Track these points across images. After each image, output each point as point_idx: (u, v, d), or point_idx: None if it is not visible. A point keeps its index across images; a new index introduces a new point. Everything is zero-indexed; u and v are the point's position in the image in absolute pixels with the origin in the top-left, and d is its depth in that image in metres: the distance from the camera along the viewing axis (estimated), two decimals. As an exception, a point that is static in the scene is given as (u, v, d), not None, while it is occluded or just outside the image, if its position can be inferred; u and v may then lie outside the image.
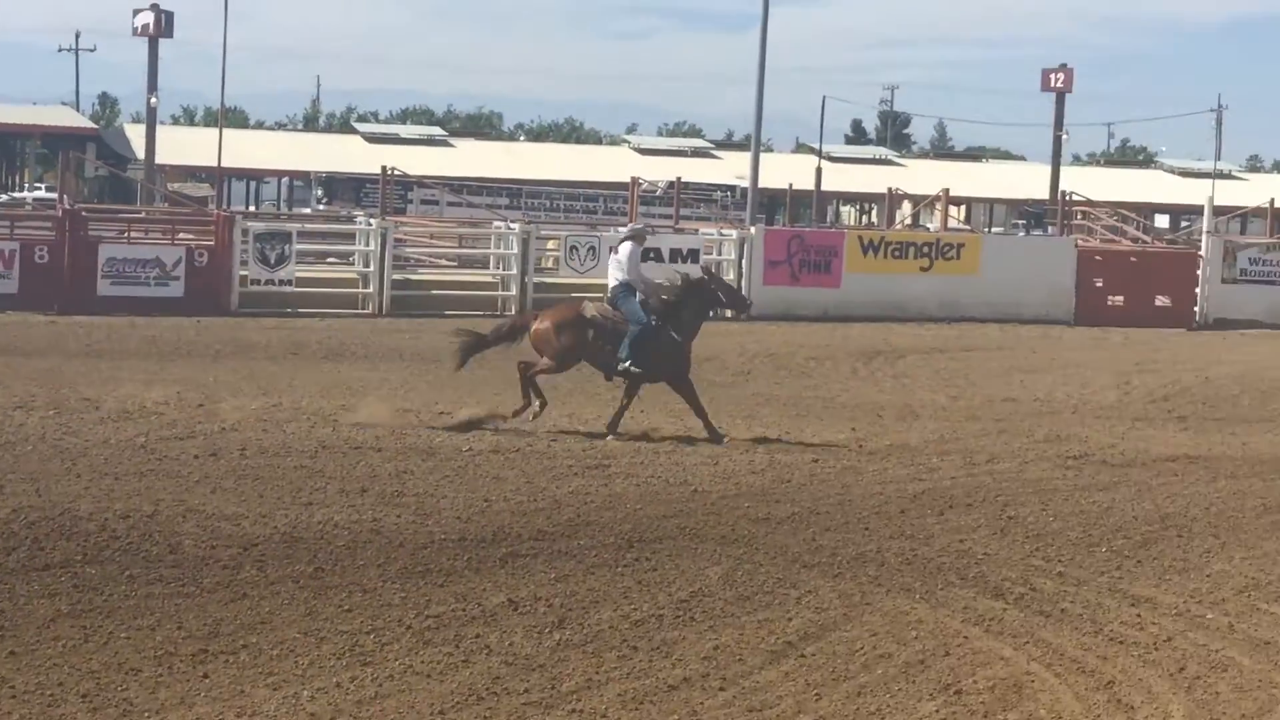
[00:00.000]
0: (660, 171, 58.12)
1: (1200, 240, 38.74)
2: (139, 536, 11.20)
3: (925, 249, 36.16)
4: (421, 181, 52.14)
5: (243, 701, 8.13)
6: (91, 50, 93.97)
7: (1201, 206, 40.90)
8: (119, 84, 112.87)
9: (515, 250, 33.55)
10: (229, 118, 64.77)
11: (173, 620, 9.41)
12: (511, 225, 35.49)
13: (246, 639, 9.14)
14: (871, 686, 8.80)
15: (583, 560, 11.24)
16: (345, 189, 56.26)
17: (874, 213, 71.38)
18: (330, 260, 35.17)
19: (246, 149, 63.68)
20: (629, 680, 8.76)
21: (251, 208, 64.02)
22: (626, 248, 17.61)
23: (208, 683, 8.40)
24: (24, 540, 10.95)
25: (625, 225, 20.67)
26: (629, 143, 75.68)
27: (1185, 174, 73.19)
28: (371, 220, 34.97)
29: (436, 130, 78.78)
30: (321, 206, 53.93)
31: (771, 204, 62.59)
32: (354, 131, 74.64)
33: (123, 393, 18.28)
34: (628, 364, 17.02)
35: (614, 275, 17.55)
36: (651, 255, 33.86)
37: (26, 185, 62.92)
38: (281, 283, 31.63)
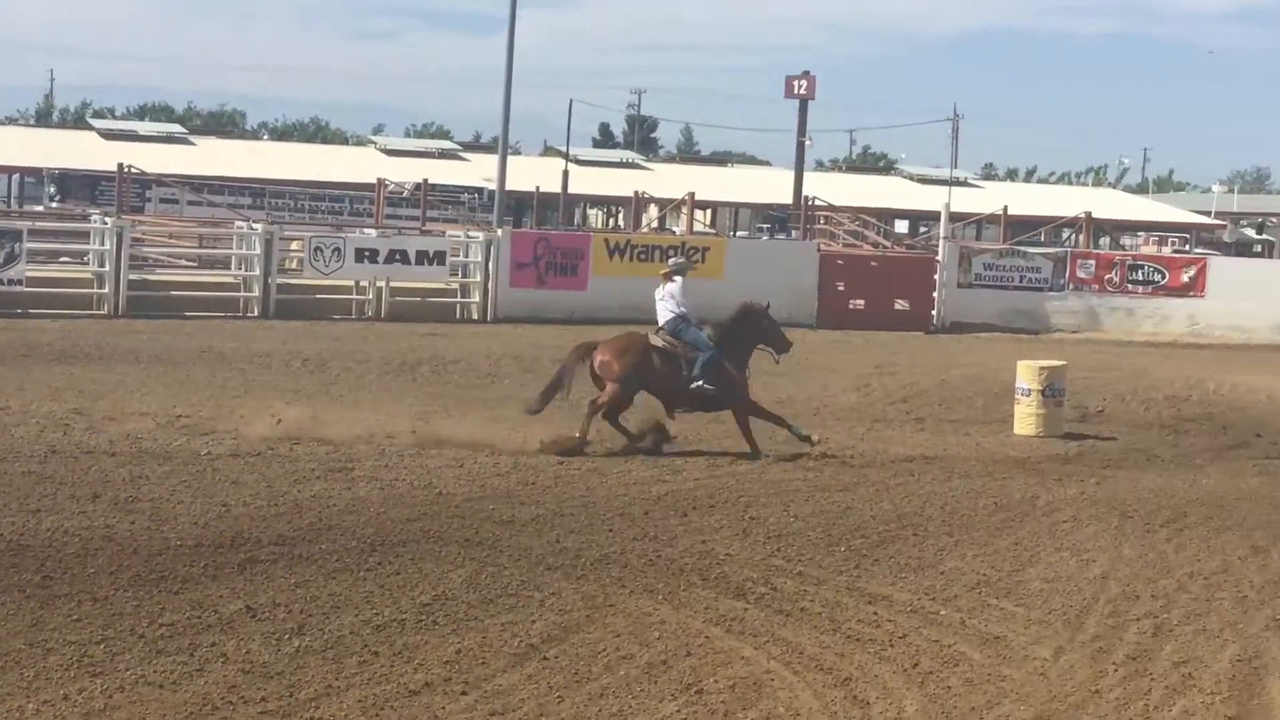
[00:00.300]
0: (407, 173, 57.66)
1: (937, 246, 39.81)
2: None
3: (671, 252, 36.49)
4: (160, 180, 50.92)
5: (-37, 716, 7.83)
6: None
7: (939, 212, 42.03)
8: None
9: (258, 251, 32.96)
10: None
11: (-115, 633, 9.02)
12: (254, 225, 34.87)
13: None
14: (614, 688, 8.83)
15: (324, 565, 11.09)
16: (80, 186, 54.62)
17: (621, 216, 71.85)
18: (63, 260, 34.08)
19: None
20: (369, 686, 8.66)
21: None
22: (678, 283, 17.64)
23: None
24: None
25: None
26: (375, 143, 74.83)
27: (924, 181, 75.08)
28: (107, 219, 34.03)
29: (176, 128, 76.94)
30: (54, 204, 52.27)
31: (519, 206, 62.51)
32: (89, 128, 72.51)
33: None
34: (700, 383, 16.98)
35: (667, 309, 17.52)
36: (398, 257, 33.64)
37: None
38: (11, 282, 30.59)
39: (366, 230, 38.26)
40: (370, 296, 33.56)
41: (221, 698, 8.32)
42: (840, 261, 38.96)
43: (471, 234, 36.93)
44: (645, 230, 48.78)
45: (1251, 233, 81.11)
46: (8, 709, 7.95)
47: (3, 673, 8.49)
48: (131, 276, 31.95)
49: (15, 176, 66.58)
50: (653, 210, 55.33)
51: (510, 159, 43.25)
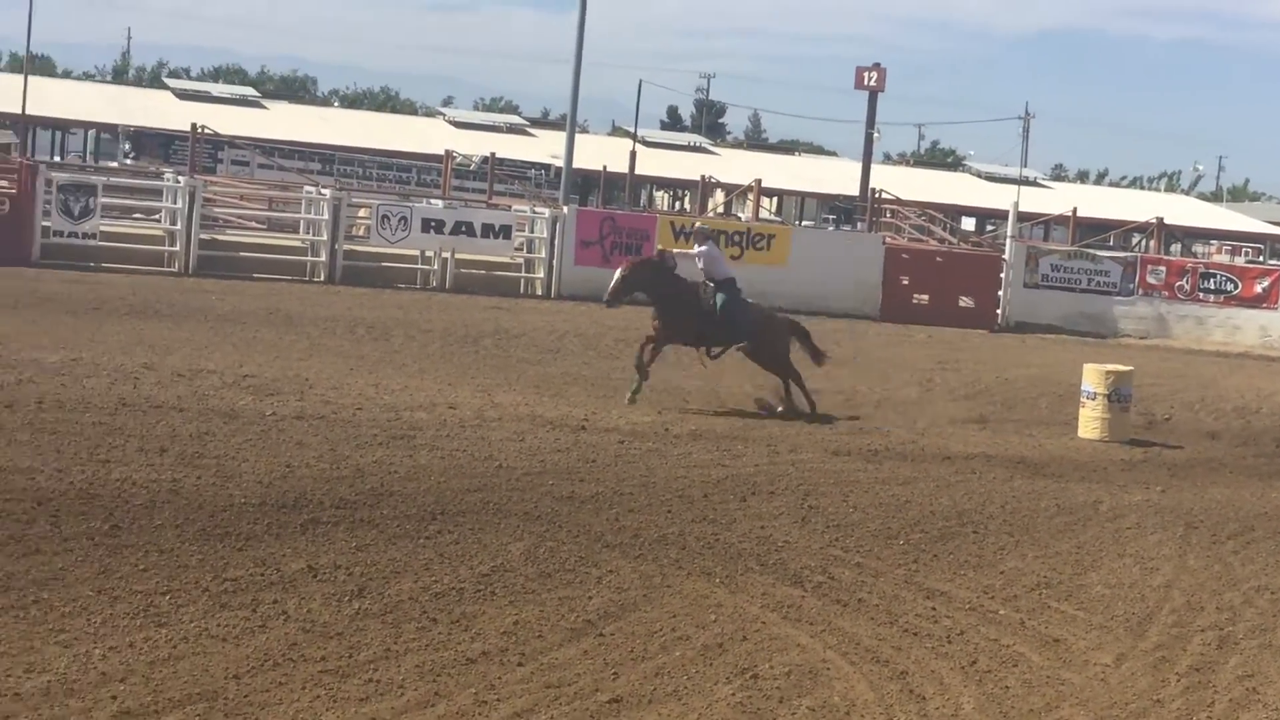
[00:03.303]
0: (475, 146, 57.86)
1: (1004, 244, 39.62)
2: (-78, 487, 10.87)
3: (736, 238, 36.49)
4: (233, 141, 51.27)
5: (32, 658, 7.93)
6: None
7: (1006, 211, 41.82)
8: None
9: (326, 216, 33.19)
10: (36, 65, 62.99)
11: (-55, 574, 9.15)
12: (323, 191, 35.09)
13: (38, 595, 8.91)
14: (669, 667, 8.85)
15: (384, 530, 11.16)
16: (154, 145, 55.12)
17: (686, 199, 71.79)
18: (136, 216, 34.42)
19: (53, 98, 61.99)
20: (427, 652, 8.71)
21: (57, 158, 62.32)
22: (711, 248, 19.92)
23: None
24: None
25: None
26: (444, 115, 75.00)
27: (992, 179, 74.74)
28: (180, 178, 34.31)
29: (249, 90, 77.47)
30: (129, 161, 52.72)
31: (585, 185, 62.58)
32: (165, 87, 73.03)
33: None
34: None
35: (717, 273, 19.52)
36: (464, 230, 33.75)
37: None
38: (85, 236, 30.92)
39: (433, 201, 38.40)
40: (435, 267, 33.71)
41: (282, 654, 8.40)
42: (905, 255, 38.85)
43: (538, 210, 37.03)
44: (711, 214, 48.71)
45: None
46: (75, 654, 8.05)
47: (72, 618, 8.61)
48: (202, 236, 32.26)
49: (92, 132, 67.20)
50: (718, 195, 55.27)
51: (578, 137, 43.29)
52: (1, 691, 7.45)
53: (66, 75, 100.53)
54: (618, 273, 19.80)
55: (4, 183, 31.65)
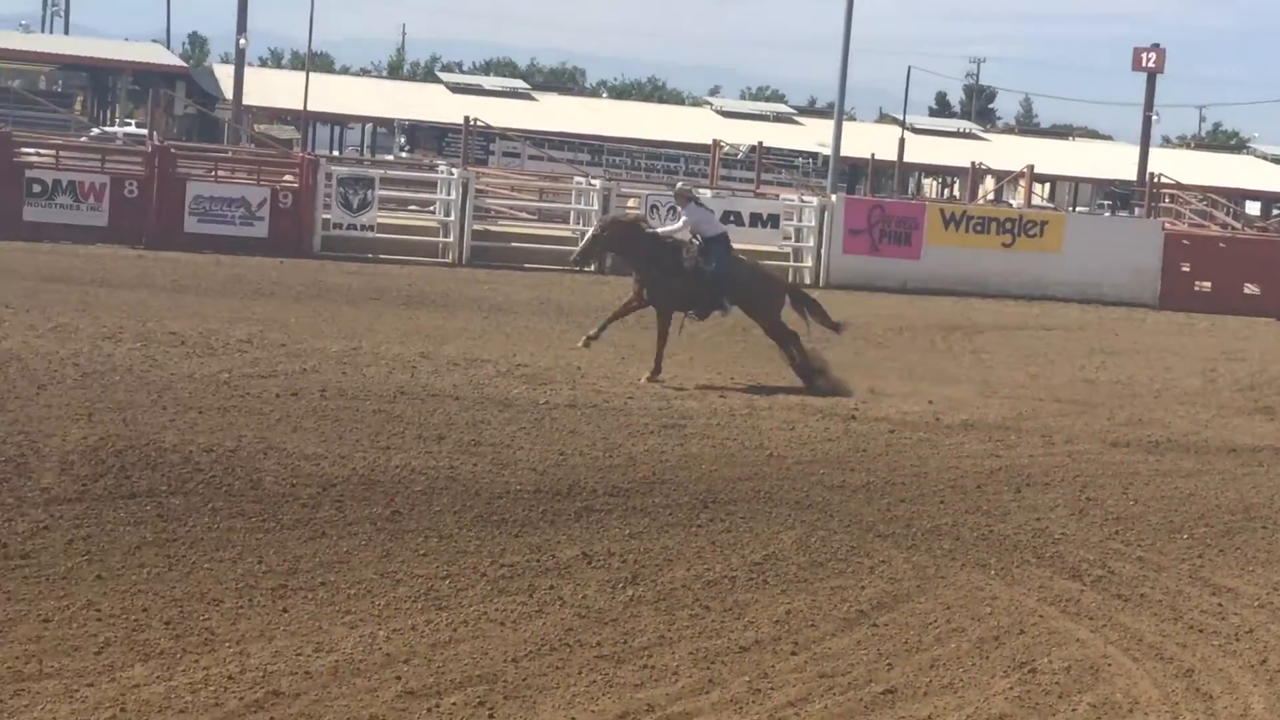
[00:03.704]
0: (742, 135, 57.93)
1: (1290, 230, 38.17)
2: (222, 470, 11.34)
3: (1008, 225, 35.86)
4: (504, 134, 52.20)
5: (320, 637, 8.19)
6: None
7: (1292, 196, 40.29)
8: (209, 24, 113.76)
9: (596, 206, 33.52)
10: (315, 62, 64.96)
11: (253, 554, 9.51)
12: (593, 181, 35.48)
13: (325, 577, 9.21)
14: (944, 659, 8.74)
15: (657, 518, 11.25)
16: (428, 138, 56.39)
17: (956, 187, 70.86)
18: (412, 208, 35.30)
19: (332, 94, 63.89)
20: (701, 639, 8.75)
21: (336, 152, 64.26)
22: (693, 209, 18.92)
23: (287, 617, 8.47)
24: (111, 468, 11.11)
25: (692, 188, 21.50)
26: (711, 105, 75.38)
27: (1279, 161, 72.15)
28: (454, 170, 35.03)
29: (520, 83, 78.81)
30: (404, 154, 54.08)
31: (853, 173, 62.25)
32: (438, 81, 74.78)
33: (207, 328, 18.45)
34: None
35: (706, 231, 18.70)
36: (732, 219, 33.79)
37: (117, 120, 63.43)
38: (363, 228, 31.80)
39: (701, 190, 38.50)
40: (704, 256, 33.82)
41: (559, 639, 8.53)
42: (1186, 242, 37.70)
43: (806, 198, 36.89)
44: (981, 202, 47.98)
45: None
46: (360, 635, 8.29)
47: (356, 600, 8.86)
48: (475, 227, 32.88)
49: (368, 126, 69.10)
50: (989, 182, 54.39)
51: (845, 125, 43.00)
52: (293, 669, 7.71)
53: (344, 72, 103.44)
54: (589, 232, 19.37)
55: (287, 177, 32.73)
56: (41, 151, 32.95)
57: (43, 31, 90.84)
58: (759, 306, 18.81)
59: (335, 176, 32.12)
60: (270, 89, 61.59)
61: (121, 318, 18.78)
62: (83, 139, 44.58)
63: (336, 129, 73.16)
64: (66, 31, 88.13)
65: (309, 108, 53.15)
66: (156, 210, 30.52)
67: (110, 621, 8.14)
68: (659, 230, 19.60)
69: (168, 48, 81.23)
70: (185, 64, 74.36)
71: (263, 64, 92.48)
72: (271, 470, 11.55)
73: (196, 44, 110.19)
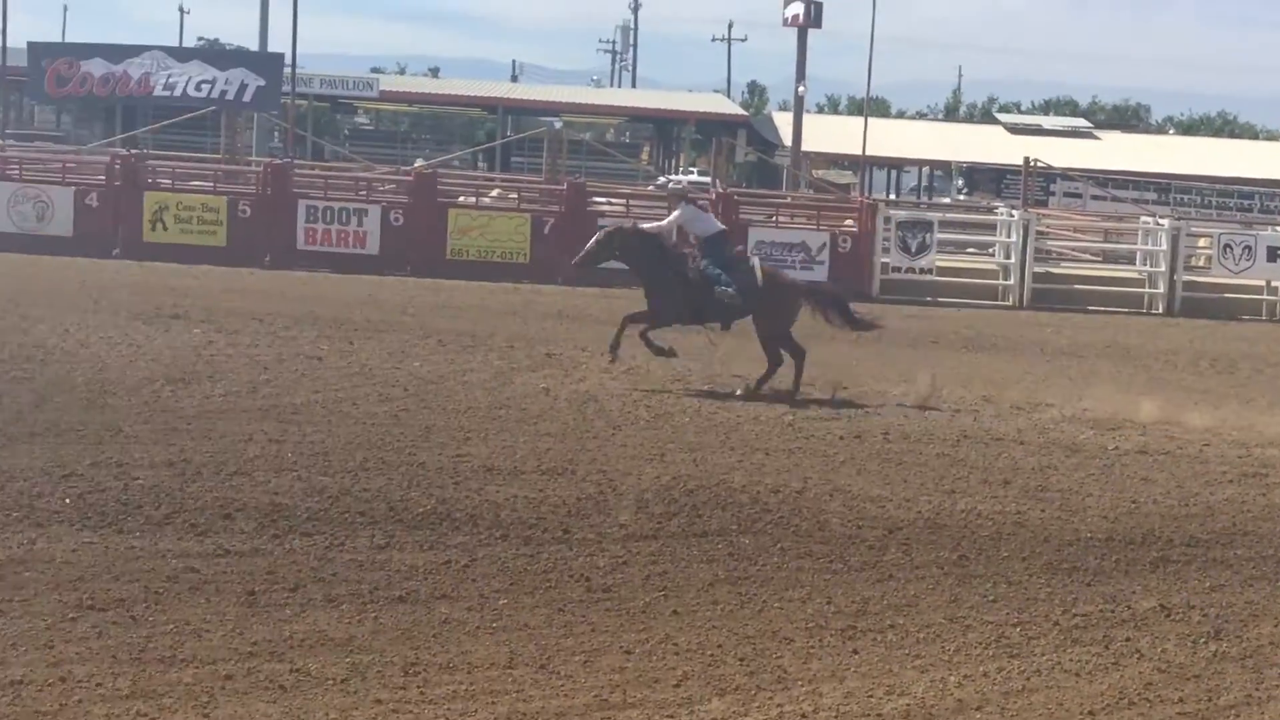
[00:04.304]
0: (1325, 168, 54.83)
1: None
2: (789, 511, 11.50)
3: None
4: (1065, 173, 51.21)
5: (891, 680, 8.15)
6: (743, 40, 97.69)
7: None
8: (767, 73, 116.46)
9: (1164, 247, 32.43)
10: (872, 107, 65.50)
11: (822, 595, 9.58)
12: (1160, 221, 34.33)
13: (893, 620, 9.18)
14: None
15: (1239, 571, 10.71)
16: (985, 180, 55.99)
17: None
18: (970, 250, 35.07)
19: (889, 137, 64.29)
20: (1295, 701, 8.25)
21: (892, 196, 64.62)
22: (686, 209, 18.09)
23: (857, 659, 8.48)
24: (684, 507, 11.45)
25: (687, 187, 20.41)
26: (1289, 138, 71.73)
27: None
28: (1013, 211, 34.60)
29: (1080, 122, 77.22)
30: (962, 196, 53.85)
31: None
32: (995, 122, 74.07)
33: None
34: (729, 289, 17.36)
35: (700, 231, 17.95)
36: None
37: (681, 169, 65.86)
38: (922, 271, 31.81)
39: (1279, 228, 36.66)
40: (1281, 298, 32.23)
41: (1138, 693, 8.20)
42: None
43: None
44: None
45: None
46: (930, 679, 8.21)
47: (925, 644, 8.79)
48: (1036, 269, 32.36)
49: (924, 169, 69.16)
50: None
51: None
52: (865, 711, 7.70)
53: (900, 115, 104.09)
54: (594, 237, 18.21)
55: (847, 221, 33.10)
56: (612, 201, 34.47)
57: (611, 85, 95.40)
58: (765, 313, 17.58)
59: (894, 220, 32.29)
60: (828, 134, 62.51)
61: (687, 360, 19.31)
62: (649, 188, 46.42)
63: (893, 172, 73.60)
64: (634, 85, 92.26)
65: (866, 152, 53.60)
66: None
67: (687, 655, 8.35)
68: (645, 228, 18.40)
69: (728, 97, 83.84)
70: (745, 112, 76.42)
71: (820, 110, 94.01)
72: (837, 512, 11.64)
73: (755, 92, 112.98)
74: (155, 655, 7.88)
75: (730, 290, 17.36)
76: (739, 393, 16.96)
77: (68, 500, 10.68)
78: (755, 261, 18.36)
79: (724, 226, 18.95)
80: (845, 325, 17.96)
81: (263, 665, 7.83)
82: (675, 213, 18.08)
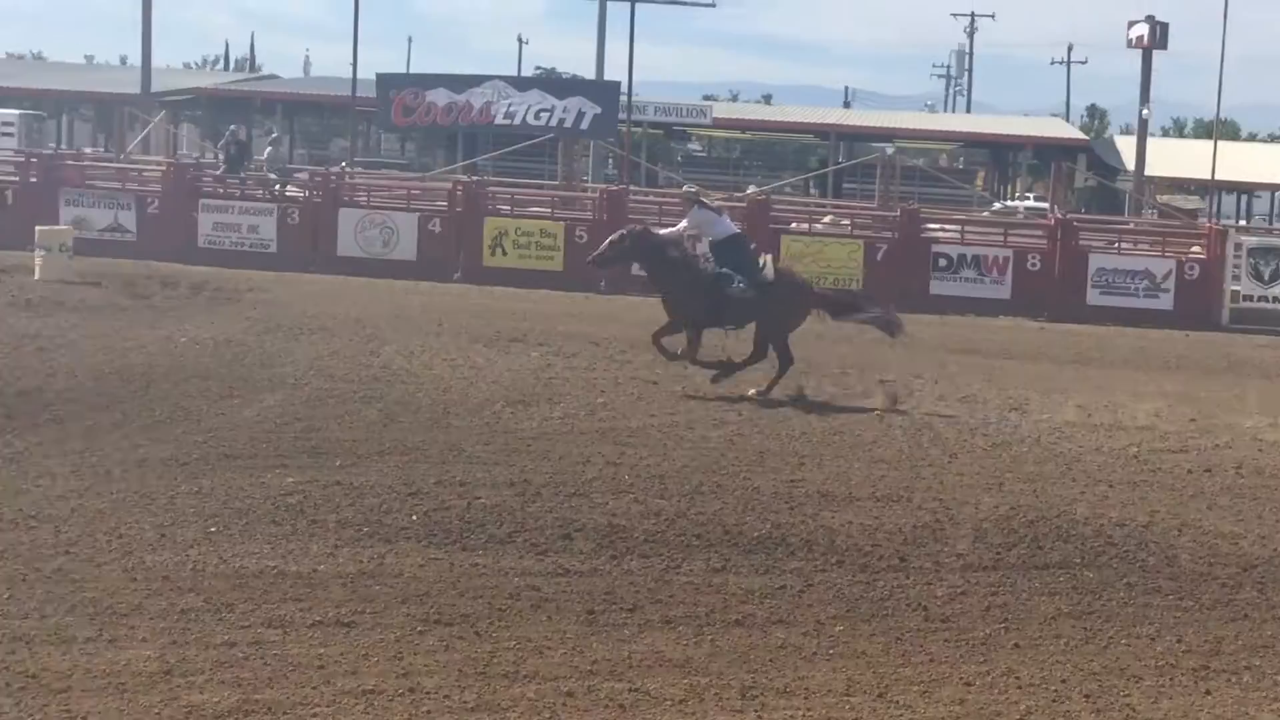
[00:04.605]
0: None
1: None
2: (1135, 545, 11.14)
3: None
4: None
5: (1244, 724, 7.82)
6: (1083, 63, 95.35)
7: None
8: (1108, 95, 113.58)
9: None
10: (1222, 129, 63.33)
11: (1172, 632, 9.25)
12: None
13: (1249, 661, 8.79)
14: None
15: None
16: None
17: None
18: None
19: (1238, 161, 61.93)
20: None
21: (1243, 221, 62.25)
22: (698, 212, 17.95)
23: (1209, 700, 8.15)
24: (1024, 538, 11.19)
25: (699, 191, 19.33)
26: None
27: None
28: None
29: None
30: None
31: None
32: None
33: (1113, 401, 18.29)
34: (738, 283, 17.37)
35: (715, 234, 17.85)
36: None
37: (1017, 194, 64.67)
38: (1275, 300, 30.56)
39: None
40: None
41: None
42: None
43: None
44: None
45: None
46: None
47: (1285, 688, 8.39)
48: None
49: (1277, 194, 66.46)
50: None
51: None
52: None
53: (1250, 138, 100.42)
54: (608, 239, 18.41)
55: (1194, 248, 32.02)
56: (946, 227, 34.05)
57: (945, 110, 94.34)
58: (773, 310, 17.52)
59: (1245, 246, 31.11)
60: (1173, 158, 60.52)
61: (1026, 389, 18.94)
62: (985, 214, 45.76)
63: (1243, 197, 70.87)
64: (968, 109, 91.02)
65: (1215, 176, 51.71)
66: (1058, 283, 30.79)
67: (1030, 690, 8.13)
68: (661, 233, 18.40)
69: (1067, 120, 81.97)
70: (1085, 136, 74.59)
71: (1164, 133, 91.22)
72: (1186, 547, 11.22)
73: (1096, 115, 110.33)
74: (499, 670, 8.04)
75: (741, 285, 17.46)
76: (752, 393, 17.05)
77: (414, 517, 10.99)
78: (767, 259, 18.19)
79: (739, 229, 19.13)
80: (883, 328, 18.32)
81: (602, 684, 7.91)
82: (687, 219, 18.20)
